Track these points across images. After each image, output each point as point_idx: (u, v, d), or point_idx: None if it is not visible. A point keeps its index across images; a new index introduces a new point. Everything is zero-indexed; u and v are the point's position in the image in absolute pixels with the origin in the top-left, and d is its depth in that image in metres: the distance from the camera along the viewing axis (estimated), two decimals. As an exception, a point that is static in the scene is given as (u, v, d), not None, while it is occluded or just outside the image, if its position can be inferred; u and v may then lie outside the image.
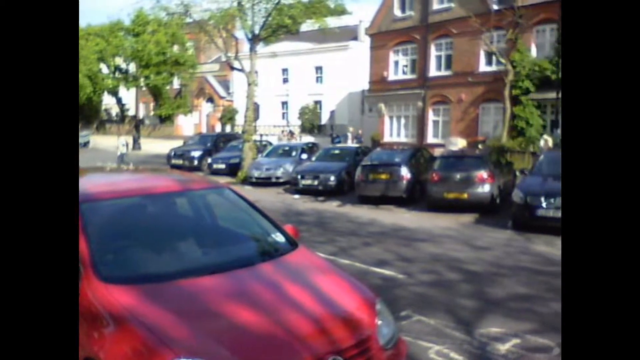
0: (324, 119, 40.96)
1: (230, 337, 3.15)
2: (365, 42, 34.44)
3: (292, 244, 4.46)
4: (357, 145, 24.95)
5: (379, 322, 3.65)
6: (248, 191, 17.51)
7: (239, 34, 26.78)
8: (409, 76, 29.33)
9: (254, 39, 21.93)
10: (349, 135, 28.09)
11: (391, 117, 30.32)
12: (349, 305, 3.69)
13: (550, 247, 10.16)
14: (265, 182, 19.87)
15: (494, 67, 25.14)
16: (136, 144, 37.42)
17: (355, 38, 39.84)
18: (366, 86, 32.60)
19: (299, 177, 18.15)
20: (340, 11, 39.88)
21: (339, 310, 3.61)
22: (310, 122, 40.37)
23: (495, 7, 24.79)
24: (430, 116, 28.37)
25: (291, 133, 33.96)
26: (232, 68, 25.40)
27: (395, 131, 30.08)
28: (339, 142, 30.64)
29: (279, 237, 4.55)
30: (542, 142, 19.58)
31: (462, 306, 6.65)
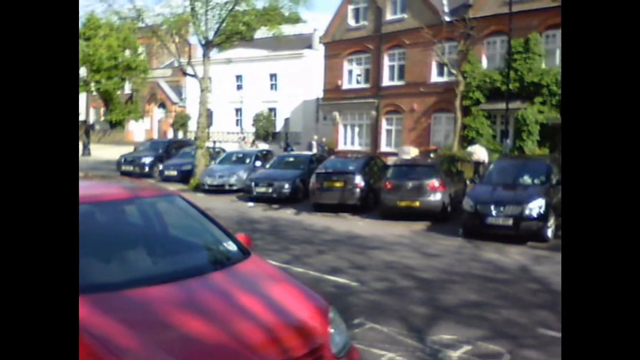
0: (279, 126, 40.90)
1: (180, 347, 3.09)
2: (319, 50, 34.62)
3: (244, 252, 4.41)
4: (312, 153, 24.91)
5: (332, 331, 3.63)
6: (200, 199, 17.30)
7: (192, 39, 26.55)
8: (362, 85, 29.62)
9: (207, 45, 21.73)
10: (314, 143, 27.78)
11: (345, 126, 30.53)
12: (302, 314, 3.65)
13: (500, 255, 10.39)
14: (218, 190, 19.66)
15: (445, 78, 25.63)
16: (86, 150, 36.51)
17: (309, 46, 39.98)
18: (321, 94, 32.75)
19: (253, 184, 18.05)
20: (295, 19, 39.97)
21: (291, 319, 3.58)
22: (265, 130, 40.25)
23: (447, 18, 25.30)
24: (384, 125, 28.69)
25: (252, 141, 33.48)
26: (185, 74, 25.09)
27: (349, 139, 30.30)
28: (292, 150, 30.57)
29: (231, 246, 4.50)
30: (470, 149, 20.34)
31: (415, 313, 6.72)
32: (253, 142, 32.94)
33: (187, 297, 3.62)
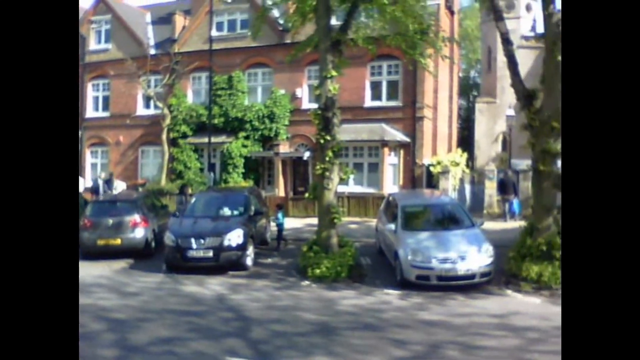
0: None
1: None
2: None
3: None
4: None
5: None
6: None
7: None
8: (64, 116, 27.71)
9: None
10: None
11: (45, 159, 28.14)
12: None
13: (200, 287, 10.55)
14: None
15: (152, 111, 25.42)
16: None
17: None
18: (15, 125, 29.71)
19: None
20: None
21: None
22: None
23: (152, 51, 25.26)
24: (89, 158, 27.21)
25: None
26: None
27: (49, 174, 27.98)
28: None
29: None
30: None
31: (102, 357, 6.42)
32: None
33: None
